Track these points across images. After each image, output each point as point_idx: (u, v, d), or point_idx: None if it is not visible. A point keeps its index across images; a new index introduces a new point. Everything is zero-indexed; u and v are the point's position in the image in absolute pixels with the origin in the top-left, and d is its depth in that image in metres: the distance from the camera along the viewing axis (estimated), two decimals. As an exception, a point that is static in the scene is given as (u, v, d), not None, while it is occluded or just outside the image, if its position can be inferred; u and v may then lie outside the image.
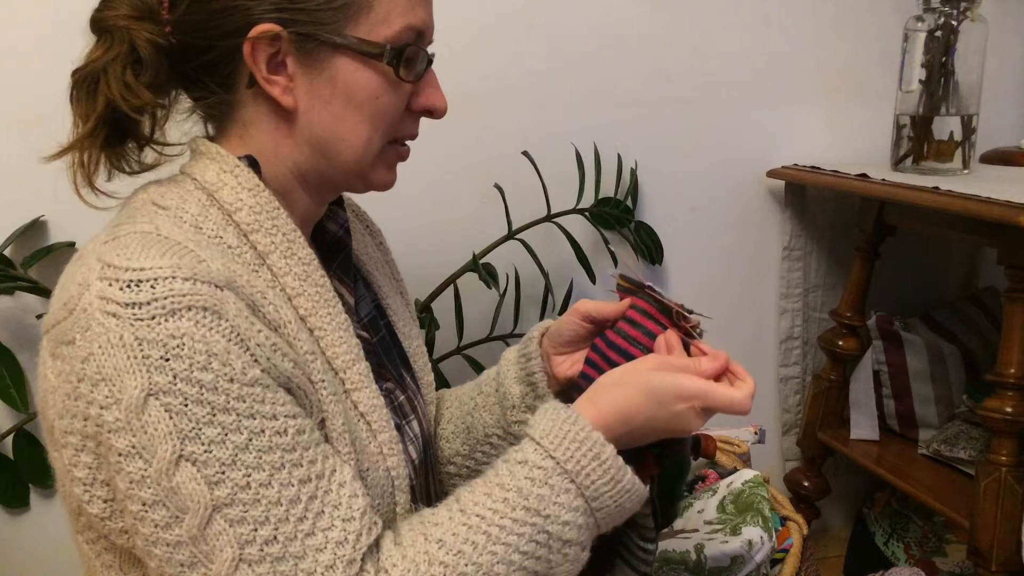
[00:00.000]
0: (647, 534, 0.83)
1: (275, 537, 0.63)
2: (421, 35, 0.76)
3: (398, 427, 0.82)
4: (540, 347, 0.91)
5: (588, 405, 0.74)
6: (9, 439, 1.36)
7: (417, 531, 0.69)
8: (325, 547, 0.65)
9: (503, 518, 0.68)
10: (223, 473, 0.62)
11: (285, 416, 0.65)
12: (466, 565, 0.67)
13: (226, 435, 0.62)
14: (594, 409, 0.73)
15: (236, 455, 0.62)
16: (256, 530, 0.62)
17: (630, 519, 0.81)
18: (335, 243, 0.87)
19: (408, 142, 0.82)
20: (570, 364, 0.90)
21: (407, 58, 0.75)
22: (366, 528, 0.67)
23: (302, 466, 0.65)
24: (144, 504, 0.62)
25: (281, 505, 0.63)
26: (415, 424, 0.88)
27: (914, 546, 1.67)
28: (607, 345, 0.84)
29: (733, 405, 0.73)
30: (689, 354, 0.79)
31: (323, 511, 0.66)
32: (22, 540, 1.44)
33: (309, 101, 0.74)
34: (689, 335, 0.80)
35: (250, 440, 0.63)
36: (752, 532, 1.08)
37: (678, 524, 1.15)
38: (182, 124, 0.81)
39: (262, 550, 0.63)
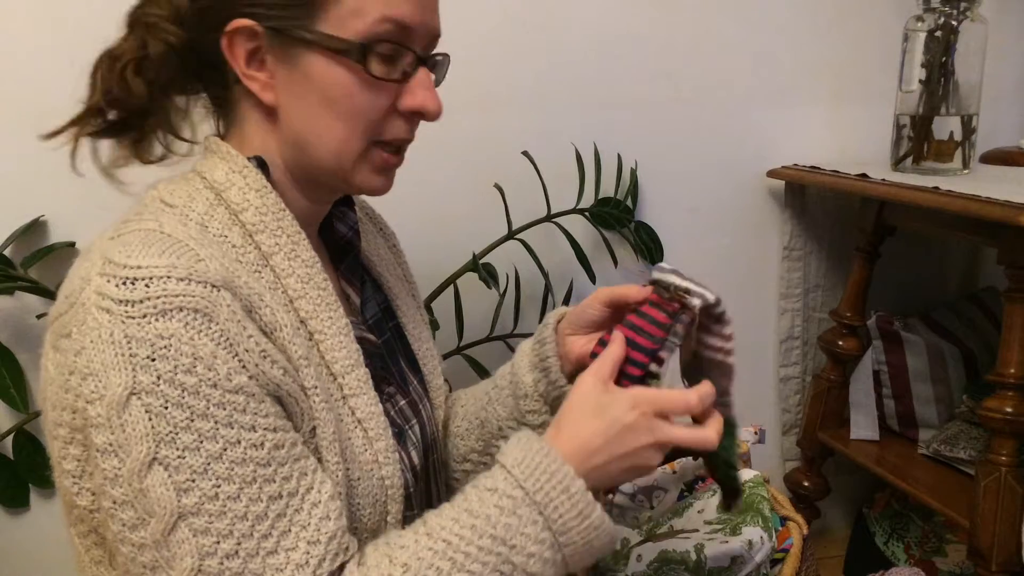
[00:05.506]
0: None
1: (236, 552, 0.63)
2: (406, 29, 0.72)
3: (399, 433, 0.81)
4: (555, 332, 0.90)
5: (554, 432, 0.73)
6: (9, 439, 1.36)
7: (382, 552, 0.68)
8: (285, 567, 0.64)
9: (469, 545, 0.67)
10: (193, 481, 0.61)
11: (264, 428, 0.65)
12: None
13: (201, 442, 0.62)
14: (555, 431, 0.73)
15: (208, 464, 0.62)
16: (218, 543, 0.62)
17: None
18: (345, 244, 0.87)
19: (404, 146, 0.79)
20: (586, 341, 0.88)
21: (381, 54, 0.72)
22: (331, 554, 0.66)
23: (274, 482, 0.65)
24: (114, 502, 0.63)
25: (247, 520, 0.63)
26: (417, 429, 0.87)
27: (914, 546, 1.67)
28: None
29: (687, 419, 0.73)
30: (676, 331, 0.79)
31: (289, 530, 0.65)
32: (22, 540, 1.44)
33: (288, 98, 0.74)
34: (674, 315, 0.79)
35: (224, 450, 0.62)
36: (752, 532, 1.08)
37: (678, 524, 1.14)
38: (205, 121, 0.82)
39: (222, 563, 0.62)
